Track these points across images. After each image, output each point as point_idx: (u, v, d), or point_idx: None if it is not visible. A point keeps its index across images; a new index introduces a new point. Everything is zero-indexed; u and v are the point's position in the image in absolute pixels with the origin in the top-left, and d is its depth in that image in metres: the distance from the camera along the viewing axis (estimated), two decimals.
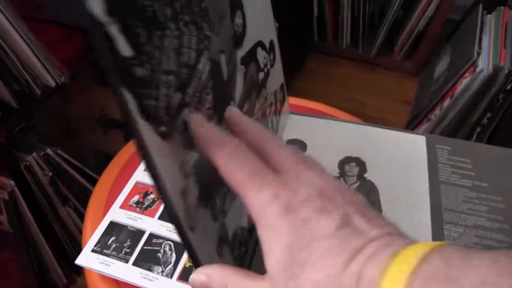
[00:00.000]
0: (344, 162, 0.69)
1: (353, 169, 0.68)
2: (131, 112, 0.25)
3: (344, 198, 0.31)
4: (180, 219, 0.30)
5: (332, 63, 2.17)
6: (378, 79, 2.07)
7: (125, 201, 0.67)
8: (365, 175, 0.68)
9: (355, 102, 1.93)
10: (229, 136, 0.32)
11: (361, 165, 0.69)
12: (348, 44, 2.15)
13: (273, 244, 0.29)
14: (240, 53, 0.44)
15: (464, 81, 1.48)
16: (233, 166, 0.31)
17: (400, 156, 0.70)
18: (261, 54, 0.53)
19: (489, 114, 1.45)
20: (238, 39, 0.43)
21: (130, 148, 0.78)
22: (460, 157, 0.70)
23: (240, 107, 0.45)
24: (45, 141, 1.08)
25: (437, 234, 0.60)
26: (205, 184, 0.34)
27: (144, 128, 0.26)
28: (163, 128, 0.28)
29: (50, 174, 1.03)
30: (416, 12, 1.89)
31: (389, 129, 0.75)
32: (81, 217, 1.17)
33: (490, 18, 1.55)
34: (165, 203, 0.29)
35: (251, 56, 0.49)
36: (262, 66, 0.54)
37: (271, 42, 0.58)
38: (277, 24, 1.51)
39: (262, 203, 0.29)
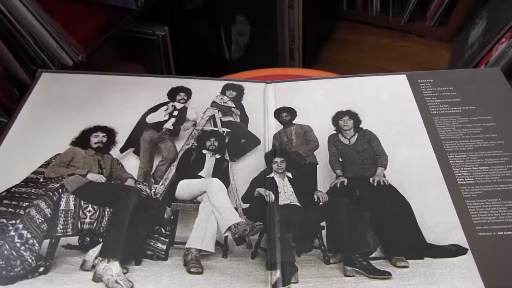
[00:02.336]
0: (337, 117, 0.82)
1: (347, 123, 0.81)
2: None
3: None
4: None
5: (362, 31, 2.28)
6: (410, 47, 2.16)
7: None
8: (361, 126, 0.81)
9: (386, 72, 2.03)
10: None
11: (354, 117, 0.82)
12: (378, 11, 2.27)
13: None
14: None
15: (500, 47, 1.54)
16: None
17: (388, 99, 0.84)
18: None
19: None
20: None
21: None
22: (443, 86, 0.84)
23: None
24: None
25: (444, 165, 0.74)
26: None
27: None
28: None
29: None
30: None
31: (369, 75, 0.88)
32: None
33: None
34: None
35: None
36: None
37: None
38: None
39: None
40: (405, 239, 0.67)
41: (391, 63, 2.08)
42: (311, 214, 0.70)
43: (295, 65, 1.82)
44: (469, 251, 0.64)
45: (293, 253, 0.65)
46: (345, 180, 0.74)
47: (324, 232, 0.68)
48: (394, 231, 0.68)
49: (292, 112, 0.83)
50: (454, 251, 0.64)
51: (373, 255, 0.66)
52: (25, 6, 0.95)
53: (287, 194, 0.72)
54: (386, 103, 0.85)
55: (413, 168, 0.74)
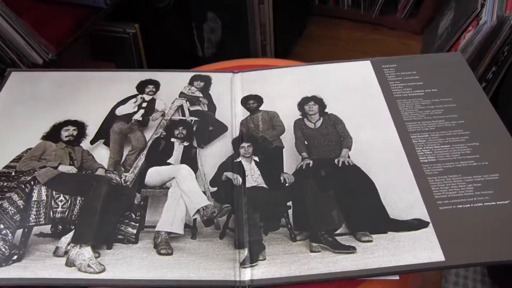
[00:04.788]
0: (303, 103, 0.85)
1: (312, 108, 0.84)
2: None
3: None
4: None
5: (335, 26, 2.34)
6: (382, 40, 2.22)
7: None
8: (326, 110, 0.84)
9: None
10: None
11: (319, 102, 0.85)
12: (349, 5, 2.34)
13: None
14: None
15: (467, 35, 1.59)
16: None
17: (353, 84, 0.88)
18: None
19: (494, 68, 1.56)
20: None
21: None
22: (406, 71, 0.89)
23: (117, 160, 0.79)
24: None
25: (407, 145, 0.78)
26: None
27: None
28: None
29: None
30: None
31: (333, 62, 0.93)
32: None
33: None
34: None
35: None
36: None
37: None
38: None
39: None
40: (369, 215, 0.70)
41: (364, 56, 2.12)
42: (278, 195, 0.73)
43: None
44: (430, 224, 0.68)
45: (260, 232, 0.69)
46: (311, 162, 0.77)
47: (290, 211, 0.71)
48: (358, 208, 0.71)
49: (258, 100, 0.87)
50: (416, 224, 0.68)
51: (338, 232, 0.69)
52: None
53: (254, 177, 0.75)
54: (350, 88, 0.88)
55: (377, 149, 0.78)
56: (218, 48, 1.91)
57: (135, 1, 1.52)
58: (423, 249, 0.65)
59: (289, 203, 0.72)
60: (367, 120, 0.82)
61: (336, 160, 0.77)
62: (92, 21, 1.31)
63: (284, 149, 0.79)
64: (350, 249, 0.66)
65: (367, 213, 0.71)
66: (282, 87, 0.89)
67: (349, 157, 0.77)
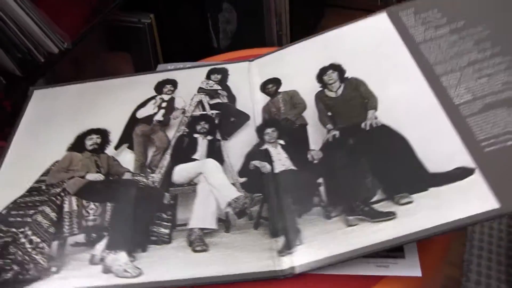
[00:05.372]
0: (321, 74, 0.82)
1: (332, 76, 0.81)
2: None
3: None
4: None
5: (351, 17, 2.27)
6: None
7: None
8: (346, 75, 0.80)
9: None
10: None
11: (337, 68, 0.81)
12: None
13: None
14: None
15: None
16: None
17: (370, 41, 0.83)
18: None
19: None
20: None
21: None
22: (426, 11, 0.81)
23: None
24: None
25: (438, 89, 0.71)
26: None
27: None
28: None
29: None
30: None
31: (347, 24, 0.88)
32: None
33: None
34: None
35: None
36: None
37: None
38: None
39: None
40: (406, 175, 0.66)
41: None
42: (307, 174, 0.71)
43: None
44: (477, 170, 0.61)
45: (294, 217, 0.66)
46: (337, 133, 0.74)
47: (321, 188, 0.69)
48: (393, 169, 0.67)
49: (277, 82, 0.84)
50: (459, 174, 0.62)
51: (374, 199, 0.65)
52: None
53: (281, 161, 0.73)
54: (368, 46, 0.83)
55: (405, 102, 0.73)
56: (234, 39, 1.89)
57: None
58: (473, 199, 0.58)
59: (320, 180, 0.70)
60: (390, 75, 0.77)
61: (363, 124, 0.73)
62: (107, 10, 1.32)
63: (308, 126, 0.77)
64: (390, 215, 0.62)
65: (404, 173, 0.66)
66: (298, 63, 0.87)
67: (376, 118, 0.73)
